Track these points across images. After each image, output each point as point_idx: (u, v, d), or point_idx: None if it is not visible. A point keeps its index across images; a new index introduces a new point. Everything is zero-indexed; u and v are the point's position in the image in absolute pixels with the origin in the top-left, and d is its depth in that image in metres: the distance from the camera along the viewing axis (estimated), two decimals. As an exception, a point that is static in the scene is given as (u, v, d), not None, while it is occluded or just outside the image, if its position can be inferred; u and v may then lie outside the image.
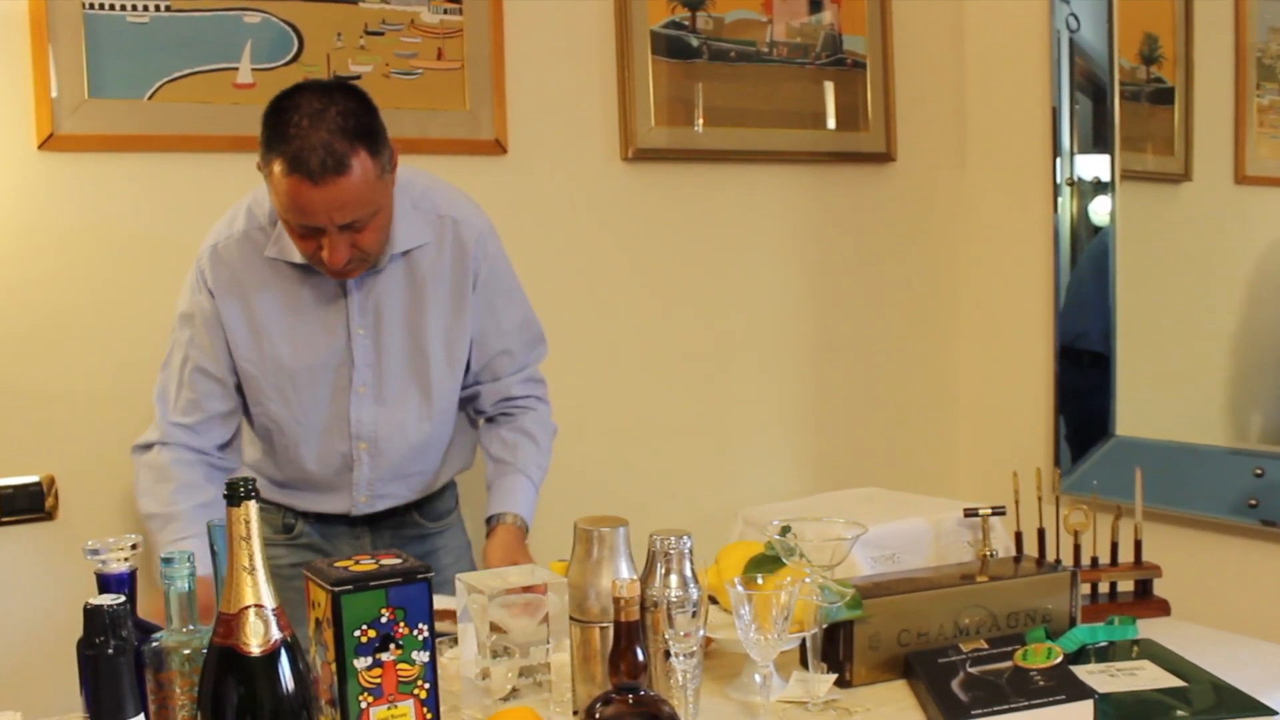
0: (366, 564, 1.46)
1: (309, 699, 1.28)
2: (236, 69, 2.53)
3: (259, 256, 2.11)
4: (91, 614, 1.13)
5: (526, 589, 1.56)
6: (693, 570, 1.57)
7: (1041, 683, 1.63)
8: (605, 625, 1.56)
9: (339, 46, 2.61)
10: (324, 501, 2.27)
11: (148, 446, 2.16)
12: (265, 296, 2.12)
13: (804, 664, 1.71)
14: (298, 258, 2.07)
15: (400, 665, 1.42)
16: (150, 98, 2.46)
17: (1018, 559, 2.00)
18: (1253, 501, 2.71)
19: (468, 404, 2.35)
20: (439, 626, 1.54)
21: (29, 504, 2.42)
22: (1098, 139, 3.08)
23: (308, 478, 2.24)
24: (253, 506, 1.23)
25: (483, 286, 2.23)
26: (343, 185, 1.89)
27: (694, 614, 1.52)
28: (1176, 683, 1.69)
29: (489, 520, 2.23)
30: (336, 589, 1.39)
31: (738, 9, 3.06)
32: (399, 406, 2.20)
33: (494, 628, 1.59)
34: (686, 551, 1.57)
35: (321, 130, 1.87)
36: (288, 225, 1.99)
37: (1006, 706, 1.59)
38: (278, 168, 1.89)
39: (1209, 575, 2.74)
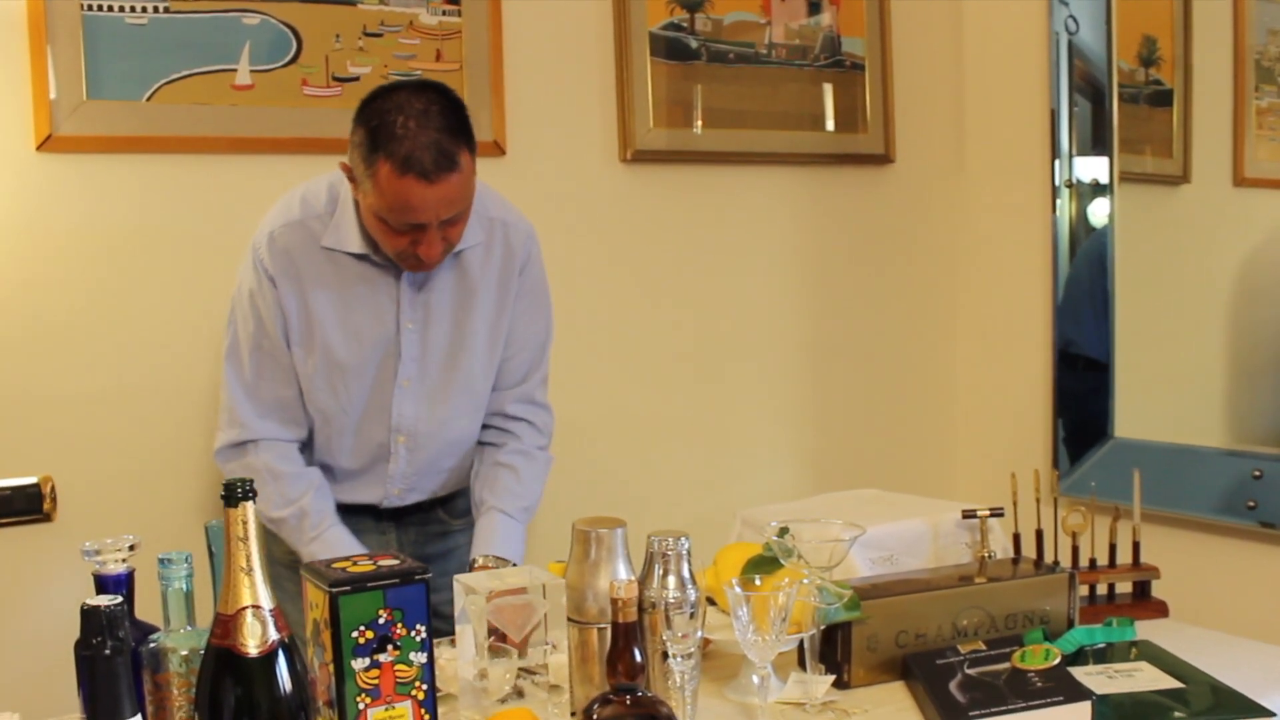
0: (364, 565, 1.46)
1: (306, 700, 1.28)
2: (235, 70, 2.53)
3: (315, 245, 2.13)
4: (89, 615, 1.13)
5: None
6: (690, 571, 1.57)
7: (1039, 684, 1.63)
8: (603, 626, 1.56)
9: (338, 48, 2.62)
10: (355, 491, 2.28)
11: (238, 447, 2.17)
12: (320, 285, 2.13)
13: (802, 665, 1.71)
14: (354, 248, 2.10)
15: (398, 666, 1.42)
16: (149, 99, 2.46)
17: (1016, 560, 2.00)
18: (1251, 503, 2.71)
19: None
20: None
21: (27, 505, 2.42)
22: (1096, 141, 3.08)
23: (342, 467, 2.26)
24: (250, 508, 1.23)
25: (523, 292, 2.27)
26: (453, 182, 1.95)
27: (692, 615, 1.52)
28: (1174, 684, 1.69)
29: (470, 564, 2.19)
30: (334, 590, 1.39)
31: (736, 10, 3.06)
32: (440, 402, 2.23)
33: (492, 629, 1.59)
34: (684, 553, 1.57)
35: (430, 130, 1.92)
36: (380, 223, 2.01)
37: (1004, 708, 1.59)
38: (386, 168, 1.92)
39: (1207, 577, 2.74)
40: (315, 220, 2.13)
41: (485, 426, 2.34)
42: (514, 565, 2.16)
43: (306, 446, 2.26)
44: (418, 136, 1.91)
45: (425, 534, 2.36)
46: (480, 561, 2.16)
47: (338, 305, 2.14)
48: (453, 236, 2.05)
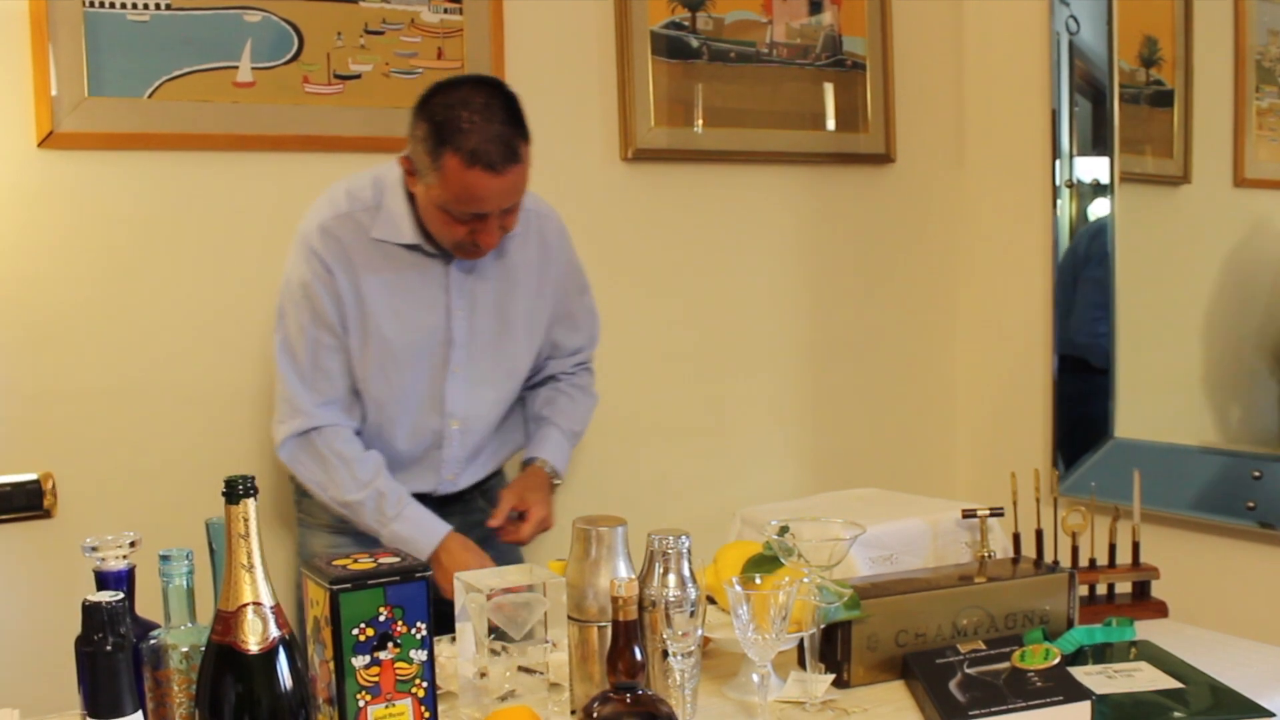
0: (365, 562, 1.46)
1: (307, 697, 1.28)
2: (236, 68, 2.53)
3: (365, 236, 2.20)
4: (90, 611, 1.13)
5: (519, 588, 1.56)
6: (691, 570, 1.57)
7: (1039, 684, 1.63)
8: (603, 625, 1.56)
9: (339, 45, 2.62)
10: (411, 480, 2.32)
11: (302, 436, 2.22)
12: (372, 275, 2.20)
13: (802, 664, 1.71)
14: (406, 239, 2.18)
15: (398, 664, 1.42)
16: (150, 96, 2.46)
17: (1016, 560, 2.00)
18: (1250, 504, 2.71)
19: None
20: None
21: (27, 502, 2.42)
22: (1097, 141, 3.08)
23: (397, 456, 2.30)
24: (251, 505, 1.23)
25: (558, 278, 2.39)
26: (517, 173, 2.06)
27: (692, 614, 1.52)
28: (1174, 684, 1.69)
29: (523, 465, 2.40)
30: (335, 587, 1.39)
31: (738, 9, 3.06)
32: (488, 385, 2.32)
33: (492, 626, 1.59)
34: (685, 551, 1.57)
35: (494, 123, 2.02)
36: (442, 214, 2.09)
37: (1004, 707, 1.59)
38: (454, 161, 2.01)
39: (1207, 577, 2.74)
40: (363, 213, 2.20)
41: (543, 381, 2.49)
42: (560, 474, 2.41)
43: (360, 435, 2.31)
44: (483, 130, 2.00)
45: (468, 523, 2.40)
46: (538, 463, 2.36)
47: (390, 294, 2.21)
48: (509, 224, 2.15)
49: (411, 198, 2.17)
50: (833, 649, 1.74)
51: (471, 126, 2.00)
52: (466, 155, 2.00)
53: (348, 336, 2.21)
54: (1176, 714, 1.60)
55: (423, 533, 2.19)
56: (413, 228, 2.18)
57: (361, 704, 1.41)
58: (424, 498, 2.35)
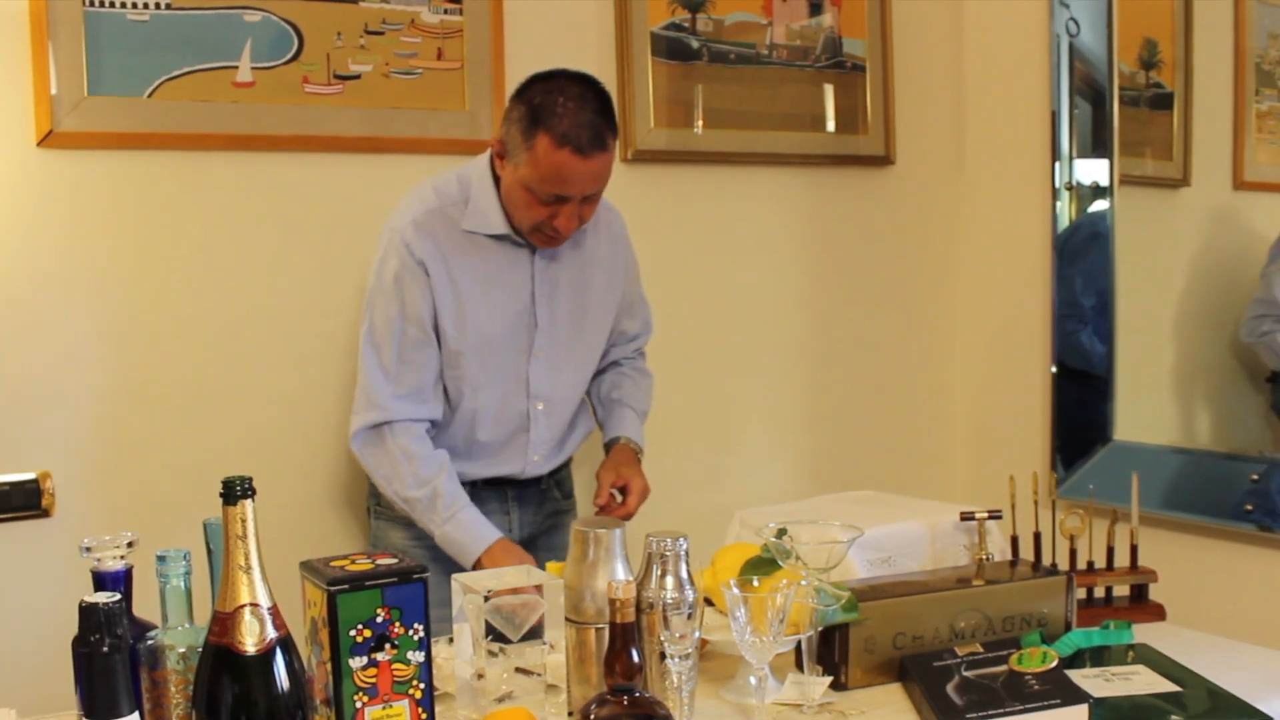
0: (363, 563, 1.46)
1: (304, 698, 1.28)
2: (236, 67, 2.53)
3: (456, 229, 2.30)
4: (87, 611, 1.13)
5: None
6: (688, 572, 1.57)
7: (1036, 686, 1.63)
8: (601, 627, 1.56)
9: (339, 46, 2.61)
10: (497, 464, 2.42)
11: (375, 429, 2.29)
12: (466, 265, 2.30)
13: (799, 666, 1.71)
14: (496, 229, 2.29)
15: (395, 665, 1.42)
16: (150, 95, 2.46)
17: (1014, 563, 2.00)
18: (1248, 506, 2.71)
19: None
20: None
21: (25, 501, 2.41)
22: (1097, 143, 3.08)
23: (484, 441, 2.39)
24: (249, 506, 1.23)
25: (625, 268, 2.52)
26: (603, 160, 2.17)
27: (689, 616, 1.52)
28: (1171, 687, 1.70)
29: (606, 446, 2.51)
30: (332, 588, 1.39)
31: (738, 11, 3.06)
32: (569, 368, 2.44)
33: (489, 627, 1.59)
34: (682, 553, 1.57)
35: (587, 111, 2.14)
36: (527, 194, 2.19)
37: (1001, 710, 1.59)
38: (545, 141, 2.13)
39: (1204, 580, 2.74)
40: (452, 207, 2.30)
41: (607, 367, 2.60)
42: (642, 449, 2.51)
43: (441, 427, 2.38)
44: (577, 115, 2.13)
45: (542, 512, 2.51)
46: (624, 440, 2.48)
47: (482, 282, 2.31)
48: (587, 214, 2.26)
49: (498, 192, 2.28)
50: (830, 651, 1.74)
51: (565, 111, 2.12)
52: (558, 136, 2.11)
53: (440, 329, 2.30)
54: (1174, 717, 1.60)
55: (471, 538, 2.25)
56: (501, 219, 2.28)
57: (359, 705, 1.41)
58: (510, 481, 2.44)
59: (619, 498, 2.40)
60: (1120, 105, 3.02)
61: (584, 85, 2.18)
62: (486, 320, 2.32)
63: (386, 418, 2.28)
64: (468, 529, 2.26)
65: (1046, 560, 2.05)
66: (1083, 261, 3.12)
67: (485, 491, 2.42)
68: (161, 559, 1.39)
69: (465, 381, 2.34)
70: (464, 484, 2.39)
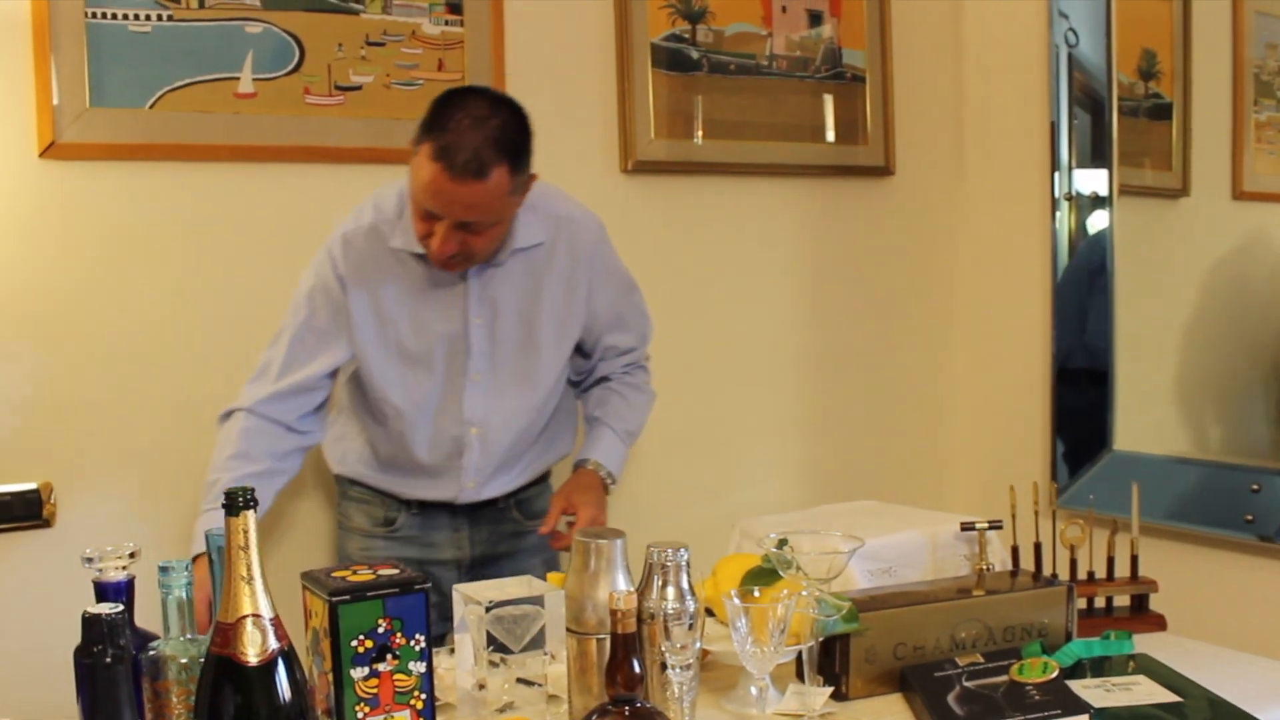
0: (364, 574, 1.46)
1: (306, 708, 1.28)
2: (238, 79, 2.54)
3: (384, 246, 2.23)
4: (90, 623, 1.14)
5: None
6: (689, 582, 1.57)
7: (1037, 697, 1.63)
8: (602, 637, 1.56)
9: (340, 57, 2.62)
10: (432, 488, 2.36)
11: (229, 414, 2.26)
12: (391, 284, 2.24)
13: (800, 677, 1.71)
14: (419, 248, 2.18)
15: (397, 675, 1.43)
16: (151, 106, 2.47)
17: (1014, 573, 2.00)
18: (1249, 517, 2.72)
19: (575, 385, 2.51)
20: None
21: (26, 511, 2.42)
22: (1096, 153, 3.09)
23: (418, 463, 2.33)
24: (251, 517, 1.23)
25: (596, 283, 2.39)
26: (476, 189, 2.02)
27: (690, 626, 1.52)
28: (1172, 698, 1.70)
29: (574, 468, 2.40)
30: (334, 599, 1.39)
31: (738, 22, 3.07)
32: (510, 394, 2.32)
33: (491, 638, 1.59)
34: (683, 564, 1.57)
35: (478, 135, 2.01)
36: (414, 204, 2.11)
37: (1002, 720, 1.59)
38: (426, 149, 2.03)
39: (1205, 590, 2.74)
40: (385, 224, 2.24)
41: (596, 383, 2.51)
42: (614, 475, 2.39)
43: (383, 445, 2.34)
44: (463, 135, 2.00)
45: (498, 534, 2.44)
46: (591, 465, 2.37)
47: (408, 303, 2.24)
48: (474, 246, 2.13)
49: None
50: (831, 662, 1.74)
51: (456, 128, 2.01)
52: (438, 149, 2.01)
53: (358, 348, 2.25)
54: (1174, 728, 1.61)
55: (196, 537, 2.09)
56: None
57: (360, 715, 1.41)
58: (447, 506, 2.38)
59: (563, 527, 2.28)
60: (1119, 115, 3.03)
61: (495, 110, 2.05)
62: (410, 341, 2.25)
63: (241, 405, 2.24)
64: (198, 535, 2.09)
65: (1047, 570, 2.05)
66: (1087, 294, 3.13)
67: (433, 508, 2.39)
68: (164, 570, 1.40)
69: (387, 401, 2.28)
70: (410, 503, 2.38)
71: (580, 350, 2.45)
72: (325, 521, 2.69)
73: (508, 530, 2.45)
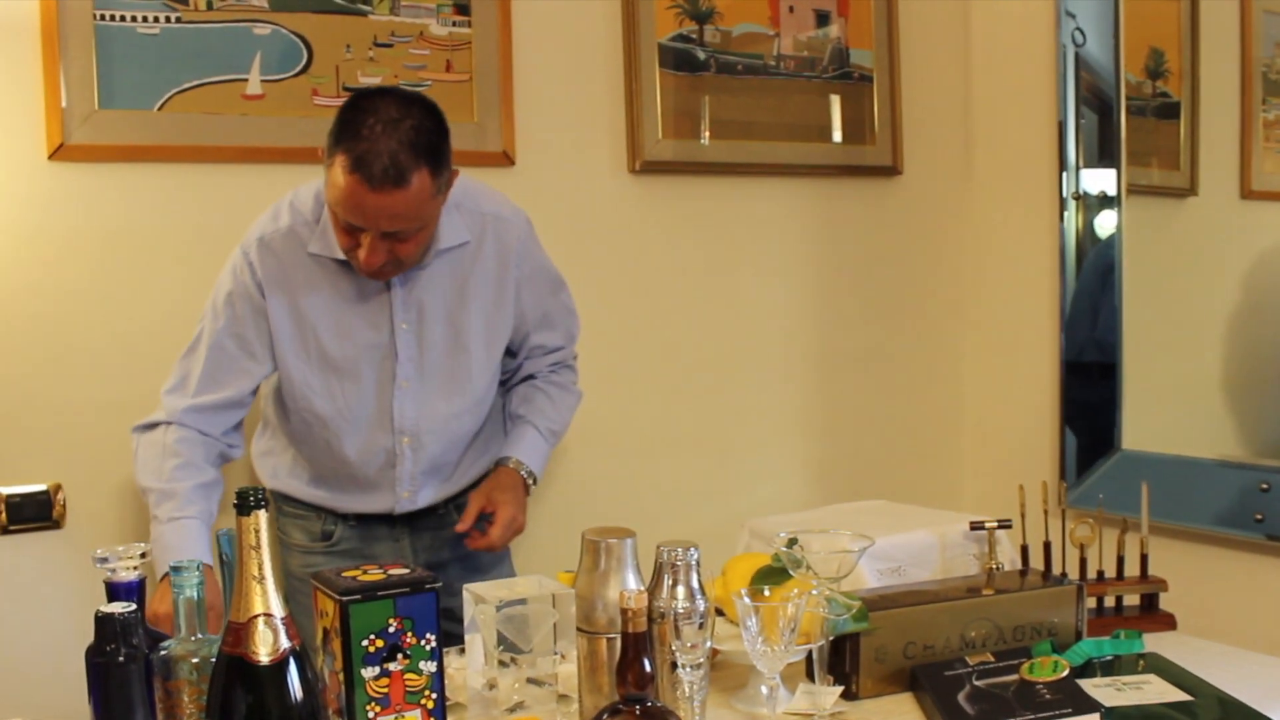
0: (374, 574, 1.46)
1: (317, 708, 1.28)
2: (246, 80, 2.54)
3: (303, 251, 2.15)
4: (102, 622, 1.14)
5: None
6: (700, 582, 1.57)
7: (1048, 696, 1.63)
8: (612, 636, 1.56)
9: (348, 58, 2.62)
10: (366, 501, 2.30)
11: (151, 426, 2.17)
12: (310, 290, 2.15)
13: (810, 676, 1.71)
14: (338, 254, 2.10)
15: (408, 675, 1.43)
16: (160, 108, 2.47)
17: (1024, 572, 2.00)
18: (1258, 516, 2.71)
19: (502, 385, 2.43)
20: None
21: (36, 512, 2.42)
22: (1103, 153, 3.09)
23: (350, 474, 2.27)
24: (262, 516, 1.23)
25: (525, 281, 2.31)
26: (397, 197, 1.93)
27: (701, 625, 1.53)
28: (1183, 697, 1.69)
29: (494, 465, 2.32)
30: (344, 598, 1.40)
31: (745, 22, 3.07)
32: (440, 400, 2.24)
33: (501, 637, 1.59)
34: (693, 563, 1.57)
35: (392, 139, 1.91)
36: (334, 217, 2.02)
37: (1013, 719, 1.59)
38: (340, 162, 1.92)
39: (1215, 589, 2.73)
40: (303, 227, 2.15)
41: (520, 381, 2.43)
42: (535, 475, 2.32)
43: (310, 458, 2.28)
44: (377, 142, 1.90)
45: (440, 539, 2.37)
46: (512, 463, 2.28)
47: (330, 309, 2.16)
48: (402, 253, 2.04)
49: None
50: (841, 661, 1.74)
51: (369, 134, 1.91)
52: (352, 160, 1.91)
53: (278, 357, 2.18)
54: (1185, 727, 1.61)
55: (167, 550, 2.02)
56: None
57: (371, 715, 1.41)
58: (385, 517, 2.32)
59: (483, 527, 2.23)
60: (1127, 115, 3.03)
61: (408, 111, 1.95)
62: (333, 350, 2.17)
63: (169, 419, 2.15)
64: (172, 544, 2.02)
65: (1056, 570, 2.05)
66: (1087, 268, 3.13)
67: (371, 519, 2.33)
68: (175, 570, 1.40)
69: (312, 412, 2.21)
70: (346, 516, 2.32)
71: (507, 349, 2.37)
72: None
73: (449, 537, 2.35)
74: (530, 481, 2.31)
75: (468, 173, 2.72)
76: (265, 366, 2.20)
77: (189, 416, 2.16)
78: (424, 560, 2.35)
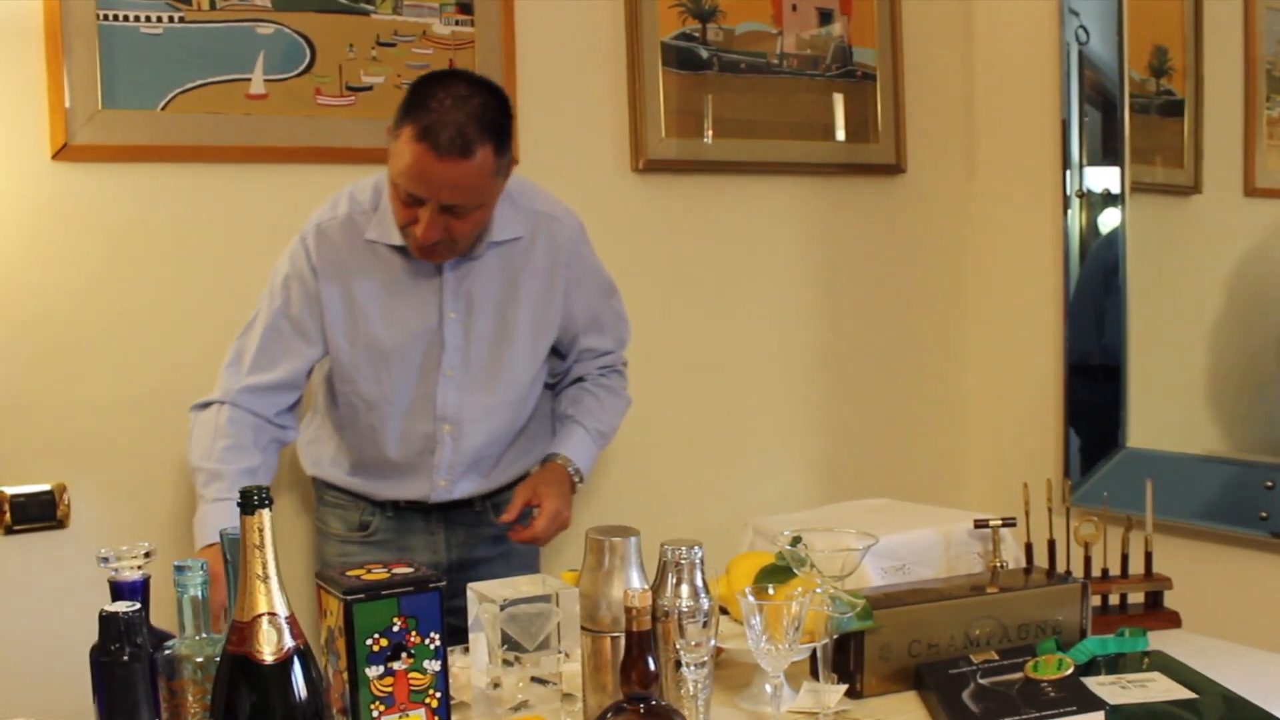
0: (379, 573, 1.46)
1: (321, 707, 1.28)
2: (249, 80, 2.54)
3: (360, 238, 2.21)
4: (107, 621, 1.14)
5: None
6: (704, 580, 1.57)
7: (1052, 694, 1.63)
8: (616, 635, 1.56)
9: (351, 57, 2.63)
10: (403, 487, 2.33)
11: (206, 405, 2.23)
12: (364, 276, 2.21)
13: (814, 674, 1.71)
14: (397, 240, 2.17)
15: (412, 674, 1.43)
16: (163, 108, 2.47)
17: (1028, 570, 1.99)
18: (1263, 514, 2.71)
19: (551, 388, 2.47)
20: None
21: (40, 512, 2.42)
22: (1107, 151, 3.08)
23: (389, 460, 2.31)
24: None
25: (574, 283, 2.35)
26: (462, 167, 1.99)
27: (705, 624, 1.52)
28: (1187, 694, 1.69)
29: (541, 463, 2.36)
30: (349, 597, 1.40)
31: (748, 21, 3.07)
32: (483, 391, 2.29)
33: (505, 636, 1.59)
34: (697, 561, 1.57)
35: (460, 113, 1.98)
36: (395, 190, 2.07)
37: (1017, 717, 1.59)
38: (408, 132, 1.99)
39: (1219, 587, 2.73)
40: (361, 215, 2.22)
41: (570, 384, 2.47)
42: (582, 472, 2.34)
43: (352, 442, 2.33)
44: (446, 114, 1.97)
45: (475, 536, 2.41)
46: (560, 460, 2.32)
47: (381, 295, 2.22)
48: (458, 230, 2.09)
49: None
50: (845, 659, 1.74)
51: (438, 107, 1.98)
52: (420, 130, 1.98)
53: (329, 340, 2.23)
54: (1190, 724, 1.60)
55: (207, 528, 2.09)
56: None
57: (375, 714, 1.41)
58: (419, 506, 2.35)
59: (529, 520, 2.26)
60: (1131, 112, 3.02)
61: (476, 90, 2.03)
62: (382, 335, 2.22)
63: (223, 398, 2.21)
64: (210, 519, 2.09)
65: (1061, 568, 2.05)
66: (1088, 265, 3.12)
67: (408, 509, 2.37)
68: (179, 569, 1.40)
69: (358, 395, 2.26)
70: (383, 503, 2.36)
71: (556, 352, 2.42)
72: (302, 526, 2.68)
73: (484, 534, 2.41)
74: (577, 479, 2.34)
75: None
76: (317, 349, 2.25)
77: (243, 397, 2.21)
78: (456, 556, 2.40)
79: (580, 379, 2.46)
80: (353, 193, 2.25)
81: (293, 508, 2.68)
